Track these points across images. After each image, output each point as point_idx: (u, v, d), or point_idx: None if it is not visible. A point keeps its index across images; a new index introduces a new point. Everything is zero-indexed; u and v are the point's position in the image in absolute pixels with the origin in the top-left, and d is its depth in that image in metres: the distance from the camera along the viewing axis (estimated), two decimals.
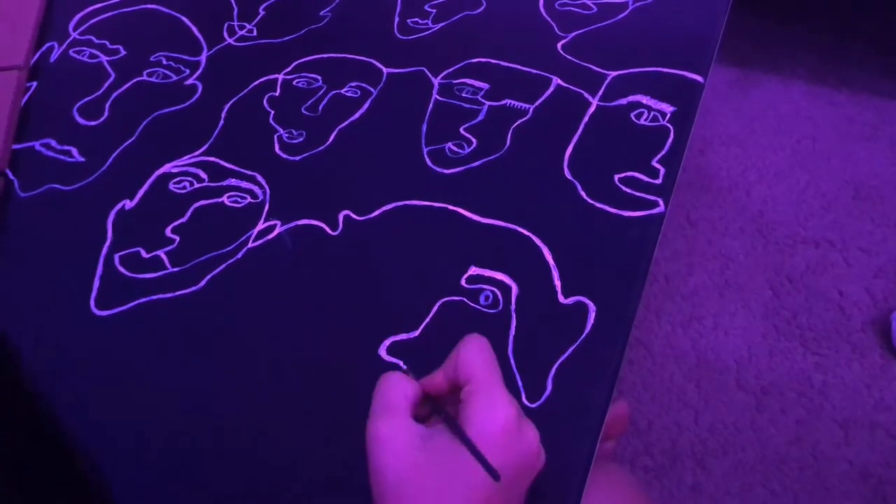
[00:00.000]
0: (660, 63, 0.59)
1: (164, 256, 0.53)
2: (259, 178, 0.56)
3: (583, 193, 0.52)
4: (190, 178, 0.57)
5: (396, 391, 0.36)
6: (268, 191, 0.56)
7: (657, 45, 0.61)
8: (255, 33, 0.68)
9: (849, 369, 1.10)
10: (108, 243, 0.54)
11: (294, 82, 0.63)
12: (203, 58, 0.66)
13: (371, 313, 0.48)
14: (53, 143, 0.61)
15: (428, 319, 0.48)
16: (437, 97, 0.60)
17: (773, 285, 1.20)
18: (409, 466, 0.33)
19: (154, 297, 0.51)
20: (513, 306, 0.47)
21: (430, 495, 0.32)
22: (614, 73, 0.59)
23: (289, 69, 0.64)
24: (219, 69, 0.65)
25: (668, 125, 0.55)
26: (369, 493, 0.35)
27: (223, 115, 0.61)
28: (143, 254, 0.53)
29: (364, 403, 0.44)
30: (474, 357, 0.36)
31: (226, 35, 0.68)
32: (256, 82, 0.63)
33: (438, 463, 0.33)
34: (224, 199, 0.56)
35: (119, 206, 0.56)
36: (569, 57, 0.61)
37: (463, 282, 0.49)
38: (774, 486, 1.00)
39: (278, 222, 0.54)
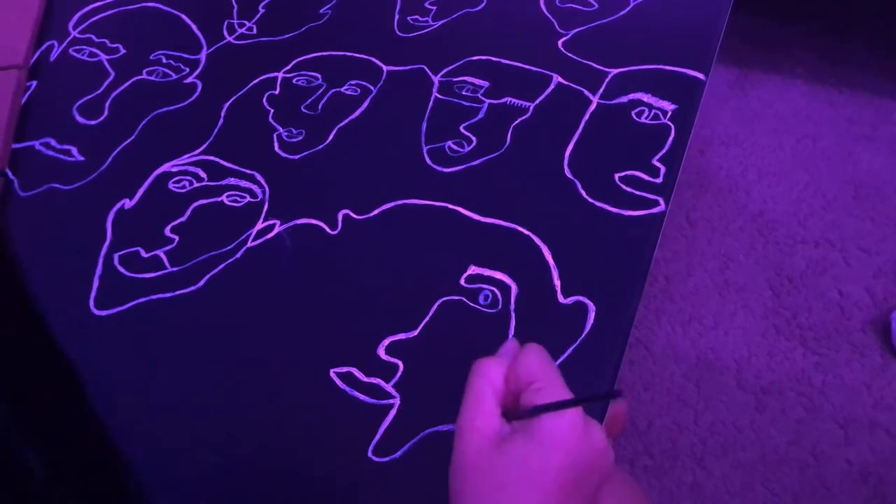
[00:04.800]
0: (661, 60, 0.59)
1: (163, 256, 0.52)
2: (258, 177, 0.56)
3: (583, 192, 0.52)
4: (189, 178, 0.57)
5: (485, 384, 0.36)
6: (267, 190, 0.55)
7: (658, 42, 0.60)
8: (254, 31, 0.68)
9: (849, 369, 1.10)
10: (107, 243, 0.54)
11: (294, 80, 0.63)
12: (203, 56, 0.66)
13: (370, 312, 0.48)
14: (53, 142, 0.61)
15: (427, 319, 0.47)
16: (437, 95, 0.60)
17: (773, 285, 1.19)
18: (488, 461, 0.33)
19: (153, 296, 0.50)
20: (512, 306, 0.47)
21: (507, 494, 0.32)
22: (615, 71, 0.59)
23: (288, 67, 0.64)
24: (218, 67, 0.65)
25: (669, 123, 0.55)
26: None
27: (223, 114, 0.61)
28: (143, 253, 0.53)
29: (362, 402, 0.44)
30: (535, 359, 0.36)
31: (225, 33, 0.68)
32: (256, 80, 0.63)
33: (517, 464, 0.33)
34: (223, 198, 0.55)
35: (119, 205, 0.56)
36: (569, 54, 0.61)
37: (462, 281, 0.49)
38: (774, 486, 1.00)
39: (277, 221, 0.53)
